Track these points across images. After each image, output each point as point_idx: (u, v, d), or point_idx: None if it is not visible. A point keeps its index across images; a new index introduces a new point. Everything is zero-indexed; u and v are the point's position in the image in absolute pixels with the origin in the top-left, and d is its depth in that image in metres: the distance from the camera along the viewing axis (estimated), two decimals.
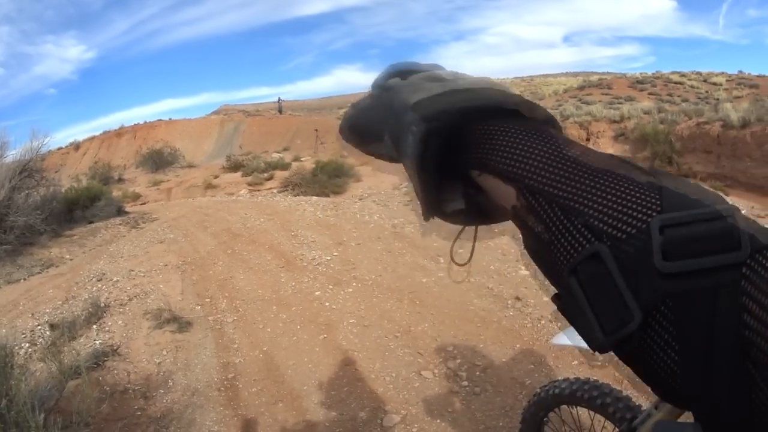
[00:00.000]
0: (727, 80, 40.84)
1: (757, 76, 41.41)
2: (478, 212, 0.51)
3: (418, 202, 0.51)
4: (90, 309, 5.18)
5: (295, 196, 13.35)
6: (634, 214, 0.35)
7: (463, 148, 0.47)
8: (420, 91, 0.49)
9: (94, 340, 4.63)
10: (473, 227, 0.54)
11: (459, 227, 0.54)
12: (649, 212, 0.35)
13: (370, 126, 0.54)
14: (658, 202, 0.35)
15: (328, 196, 13.01)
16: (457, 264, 0.57)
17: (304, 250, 6.83)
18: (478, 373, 3.72)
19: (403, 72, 0.54)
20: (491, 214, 0.50)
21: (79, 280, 6.52)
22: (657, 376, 0.35)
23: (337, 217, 8.69)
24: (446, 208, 0.51)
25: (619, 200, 0.37)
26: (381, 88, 0.54)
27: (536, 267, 0.42)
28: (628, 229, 0.35)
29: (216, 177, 21.21)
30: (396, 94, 0.51)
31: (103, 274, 6.57)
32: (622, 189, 0.37)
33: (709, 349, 0.31)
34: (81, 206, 11.32)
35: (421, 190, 0.49)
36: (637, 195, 0.36)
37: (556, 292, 0.41)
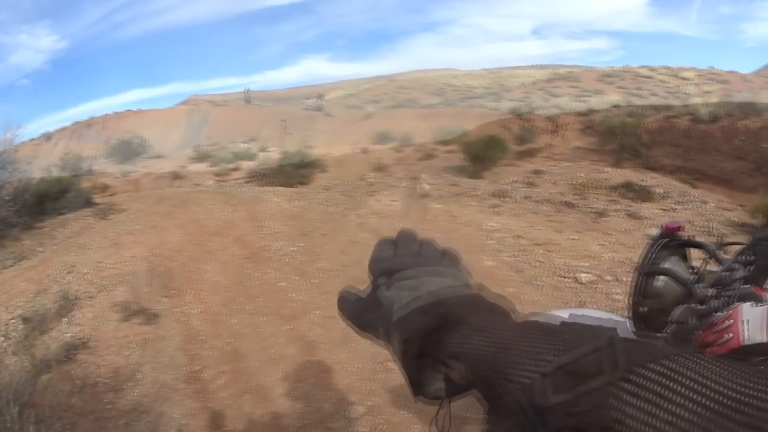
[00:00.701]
0: (696, 75, 41.22)
1: (728, 72, 41.95)
2: (453, 388, 0.61)
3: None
4: (60, 302, 5.19)
5: (261, 186, 13.26)
6: (538, 363, 0.46)
7: (435, 342, 0.58)
8: (398, 302, 0.62)
9: (65, 333, 4.64)
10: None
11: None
12: (549, 358, 0.45)
13: (367, 322, 0.68)
14: (561, 346, 0.46)
15: (294, 186, 12.90)
16: None
17: (270, 241, 6.87)
18: None
19: (390, 271, 0.68)
20: (462, 387, 0.60)
21: (50, 272, 6.46)
22: None
23: (303, 207, 8.72)
24: (428, 390, 0.61)
25: (529, 356, 0.47)
26: (372, 289, 0.69)
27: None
28: (533, 375, 0.45)
29: (183, 167, 20.94)
30: (383, 300, 0.65)
31: (73, 266, 6.52)
32: (535, 347, 0.48)
33: None
34: (51, 198, 11.18)
35: (407, 375, 0.61)
36: (544, 347, 0.47)
37: None
